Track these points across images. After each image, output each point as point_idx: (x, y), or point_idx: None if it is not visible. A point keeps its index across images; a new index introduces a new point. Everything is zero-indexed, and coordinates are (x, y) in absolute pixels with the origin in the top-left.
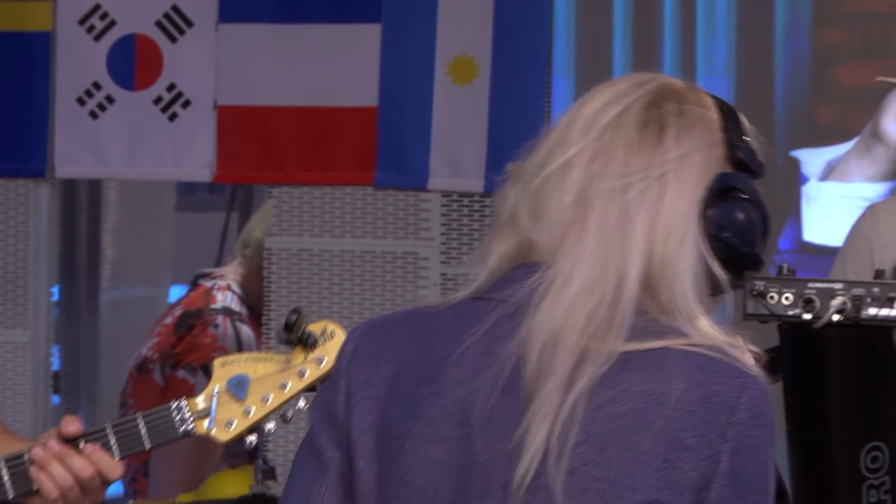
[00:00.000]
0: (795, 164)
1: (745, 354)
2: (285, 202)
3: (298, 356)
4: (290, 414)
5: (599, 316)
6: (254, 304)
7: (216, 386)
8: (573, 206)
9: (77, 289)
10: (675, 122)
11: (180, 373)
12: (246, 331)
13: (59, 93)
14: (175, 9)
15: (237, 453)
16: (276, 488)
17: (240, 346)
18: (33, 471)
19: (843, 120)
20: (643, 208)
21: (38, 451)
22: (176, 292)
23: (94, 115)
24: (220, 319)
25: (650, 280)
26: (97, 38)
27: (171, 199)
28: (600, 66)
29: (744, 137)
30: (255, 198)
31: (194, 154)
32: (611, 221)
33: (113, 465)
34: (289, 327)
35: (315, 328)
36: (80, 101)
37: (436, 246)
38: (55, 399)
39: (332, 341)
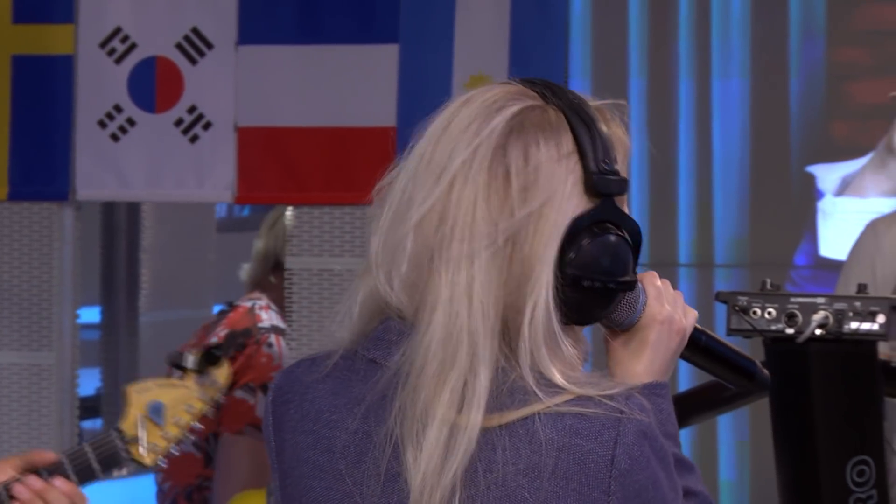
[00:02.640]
0: (811, 180)
1: (621, 391)
2: (305, 222)
3: (191, 379)
4: (192, 436)
5: (457, 395)
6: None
7: (138, 413)
8: (425, 273)
9: (117, 311)
10: (520, 172)
11: (238, 393)
12: None
13: (81, 116)
14: (195, 31)
15: None
16: None
17: None
18: None
19: (858, 136)
20: (492, 275)
21: (20, 489)
22: None
23: (115, 137)
24: (272, 338)
25: (510, 342)
26: (118, 60)
27: (212, 220)
28: (616, 68)
29: (600, 160)
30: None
31: (215, 175)
32: (459, 295)
33: (83, 497)
34: (215, 362)
35: (197, 354)
36: (102, 124)
37: None
38: (99, 422)
39: (219, 366)
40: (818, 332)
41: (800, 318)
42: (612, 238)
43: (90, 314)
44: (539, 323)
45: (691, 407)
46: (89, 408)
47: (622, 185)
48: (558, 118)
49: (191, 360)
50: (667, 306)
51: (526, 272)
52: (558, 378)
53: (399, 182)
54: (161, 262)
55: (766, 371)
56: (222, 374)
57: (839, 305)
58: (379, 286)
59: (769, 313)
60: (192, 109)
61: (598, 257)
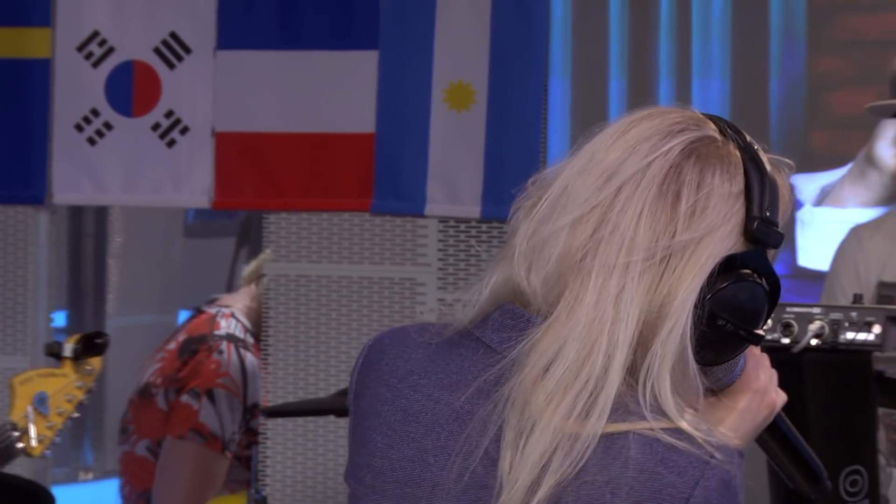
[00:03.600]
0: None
1: (718, 440)
2: (283, 228)
3: (69, 367)
4: (69, 423)
5: (581, 402)
6: (258, 332)
7: (25, 404)
8: (572, 271)
9: (84, 315)
10: (691, 197)
11: (184, 398)
12: (250, 358)
13: (58, 119)
14: (173, 35)
15: (237, 479)
16: None
17: (244, 373)
18: None
19: (838, 146)
20: (640, 291)
21: None
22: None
23: (92, 141)
24: (224, 346)
25: (633, 363)
26: (95, 64)
27: (179, 225)
28: (596, 69)
29: (765, 208)
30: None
31: (192, 180)
32: (606, 300)
33: None
34: (100, 350)
35: (77, 342)
36: (79, 128)
37: (433, 271)
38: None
39: (97, 353)
40: (814, 342)
41: (795, 327)
42: (755, 286)
43: (57, 318)
44: (672, 346)
45: None
46: None
47: (778, 239)
48: (736, 156)
49: (69, 349)
50: (763, 377)
51: (672, 294)
52: (669, 404)
53: (560, 177)
54: (128, 267)
55: (829, 483)
56: (97, 361)
57: (835, 315)
58: (516, 274)
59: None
60: (169, 114)
61: (739, 301)
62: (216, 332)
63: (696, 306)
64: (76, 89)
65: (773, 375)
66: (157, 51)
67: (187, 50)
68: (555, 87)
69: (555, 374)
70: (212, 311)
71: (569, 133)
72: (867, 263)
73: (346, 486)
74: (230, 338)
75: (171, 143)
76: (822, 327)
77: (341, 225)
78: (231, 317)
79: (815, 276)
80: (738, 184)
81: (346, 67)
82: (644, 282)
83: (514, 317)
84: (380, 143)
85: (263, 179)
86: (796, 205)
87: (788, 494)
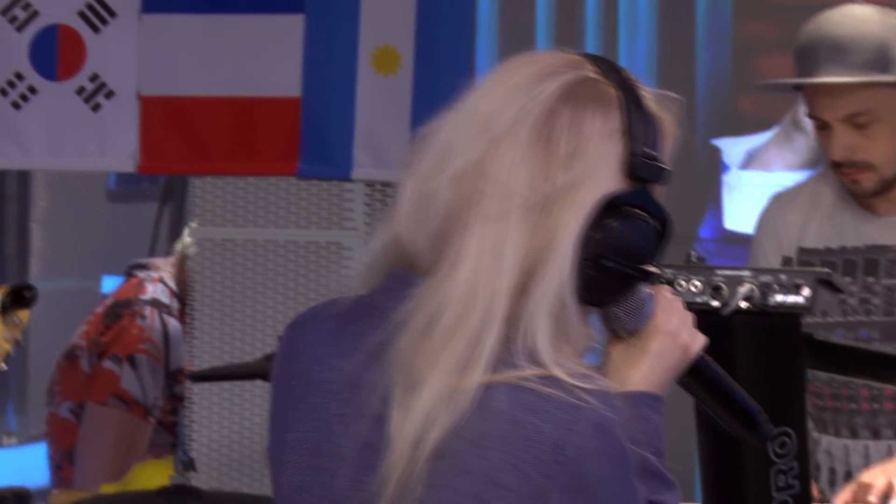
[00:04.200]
0: (716, 153)
1: (594, 385)
2: (209, 192)
3: None
4: None
5: (462, 357)
6: (185, 295)
7: None
8: (454, 226)
9: (7, 280)
10: (569, 140)
11: (106, 363)
12: (174, 323)
13: None
14: None
15: (160, 444)
16: (195, 479)
17: (167, 339)
18: None
19: (764, 110)
20: (521, 237)
21: None
22: (109, 283)
23: (16, 105)
24: (147, 311)
25: (512, 310)
26: (19, 28)
27: (102, 190)
28: None
29: (646, 145)
30: (189, 188)
31: (118, 144)
32: (485, 252)
33: None
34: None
35: (5, 295)
36: (3, 92)
37: (360, 236)
38: None
39: (24, 306)
40: (743, 304)
41: (725, 290)
42: (640, 223)
43: None
44: (550, 292)
45: None
46: None
47: (662, 174)
48: (613, 94)
49: None
50: (674, 319)
51: (552, 240)
52: (545, 352)
53: (441, 132)
54: (51, 232)
55: (770, 424)
56: (25, 314)
57: (765, 278)
58: (402, 233)
59: (695, 286)
60: (94, 78)
61: (622, 239)
62: (141, 297)
63: (582, 250)
64: (0, 53)
65: (687, 318)
66: (81, 14)
67: (112, 13)
68: None
69: (438, 331)
70: (141, 275)
71: None
72: (788, 230)
73: None
74: (154, 303)
75: (97, 107)
76: (752, 290)
77: (267, 189)
78: (159, 281)
79: (742, 240)
80: (617, 122)
81: (271, 31)
82: (524, 230)
83: (399, 279)
84: (306, 107)
85: (189, 143)
86: (723, 168)
87: (717, 442)
